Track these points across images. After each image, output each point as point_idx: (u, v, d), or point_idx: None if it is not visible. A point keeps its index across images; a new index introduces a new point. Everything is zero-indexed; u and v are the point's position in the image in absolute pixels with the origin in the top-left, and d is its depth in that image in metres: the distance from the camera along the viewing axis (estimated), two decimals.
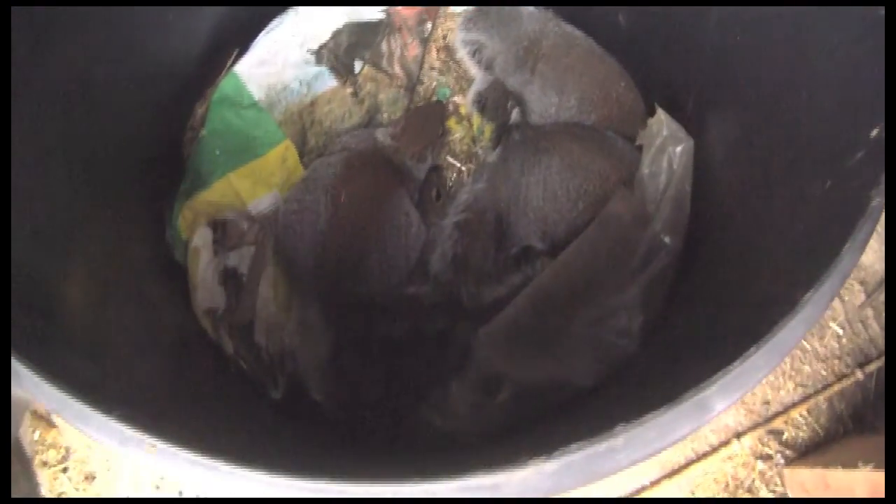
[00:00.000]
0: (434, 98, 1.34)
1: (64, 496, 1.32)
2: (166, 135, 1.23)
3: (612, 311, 1.01)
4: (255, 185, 1.20)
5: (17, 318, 0.67)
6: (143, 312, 1.02)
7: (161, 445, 0.58)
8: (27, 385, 0.61)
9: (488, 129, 1.30)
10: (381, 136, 1.21)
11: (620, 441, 0.57)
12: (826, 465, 1.19)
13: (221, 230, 1.17)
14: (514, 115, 1.25)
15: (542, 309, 1.04)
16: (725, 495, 1.33)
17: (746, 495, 1.33)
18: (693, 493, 1.33)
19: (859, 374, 1.35)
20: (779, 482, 1.32)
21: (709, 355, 0.78)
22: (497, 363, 1.01)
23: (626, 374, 0.98)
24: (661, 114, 1.09)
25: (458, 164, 1.29)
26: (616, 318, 1.01)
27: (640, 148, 1.14)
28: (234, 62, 1.26)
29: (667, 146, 1.07)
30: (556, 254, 1.10)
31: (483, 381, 1.01)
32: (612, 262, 1.05)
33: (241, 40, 1.28)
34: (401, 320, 1.14)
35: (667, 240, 1.03)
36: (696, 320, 0.94)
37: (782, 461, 1.33)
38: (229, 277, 1.16)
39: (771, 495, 1.32)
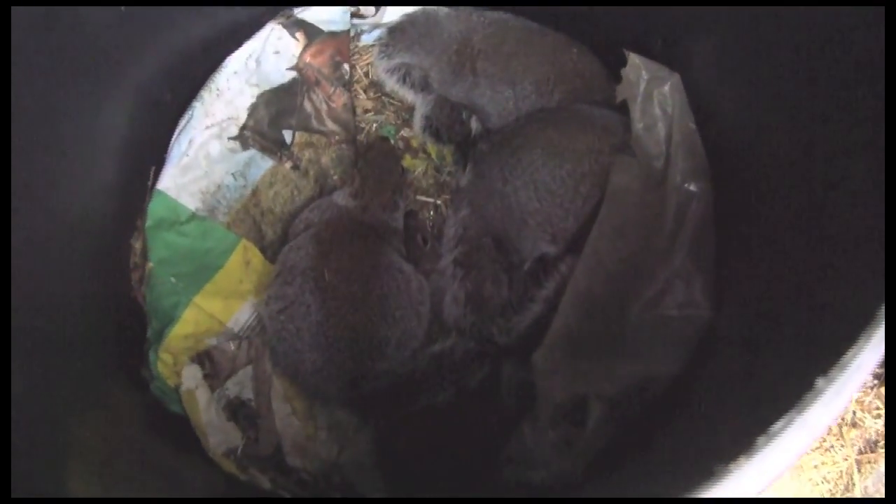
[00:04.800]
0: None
1: None
2: (113, 282, 1.08)
3: (666, 284, 0.89)
4: (227, 301, 1.06)
5: None
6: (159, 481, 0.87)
7: None
8: None
9: (448, 153, 1.18)
10: (341, 199, 1.07)
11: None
12: None
13: (209, 362, 1.03)
14: (473, 124, 1.13)
15: (591, 310, 0.91)
16: None
17: None
18: None
19: None
20: None
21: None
22: (570, 385, 0.88)
23: (710, 348, 0.85)
24: (634, 58, 0.97)
25: (432, 200, 1.16)
26: (672, 289, 0.88)
27: (622, 106, 1.02)
28: (156, 181, 1.11)
29: (652, 90, 0.95)
30: (576, 250, 0.98)
31: (563, 412, 0.88)
32: (642, 232, 0.93)
33: (155, 154, 1.14)
34: (438, 384, 1.01)
35: (692, 188, 0.91)
36: (767, 267, 0.81)
37: None
38: (237, 409, 1.02)
39: None
